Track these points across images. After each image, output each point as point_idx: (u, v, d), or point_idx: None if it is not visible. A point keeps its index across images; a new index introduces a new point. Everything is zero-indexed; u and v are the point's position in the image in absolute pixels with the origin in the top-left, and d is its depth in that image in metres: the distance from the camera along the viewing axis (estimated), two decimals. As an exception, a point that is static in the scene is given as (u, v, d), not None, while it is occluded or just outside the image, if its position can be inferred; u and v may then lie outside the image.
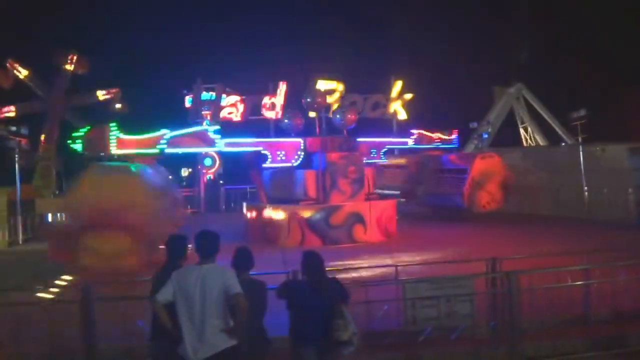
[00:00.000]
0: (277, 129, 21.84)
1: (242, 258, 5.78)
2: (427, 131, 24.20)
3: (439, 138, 24.63)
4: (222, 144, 18.75)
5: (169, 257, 5.79)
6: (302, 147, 19.50)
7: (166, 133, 17.64)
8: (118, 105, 35.14)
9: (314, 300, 5.63)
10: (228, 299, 5.08)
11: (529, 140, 43.43)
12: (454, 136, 25.40)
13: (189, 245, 5.82)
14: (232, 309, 5.11)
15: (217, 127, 19.11)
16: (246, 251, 5.87)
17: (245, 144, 19.75)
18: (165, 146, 17.56)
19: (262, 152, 19.42)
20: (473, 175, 22.70)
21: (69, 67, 34.56)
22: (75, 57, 34.59)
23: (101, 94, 35.24)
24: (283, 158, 19.40)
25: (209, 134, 18.57)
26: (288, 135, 20.28)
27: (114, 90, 35.21)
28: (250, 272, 5.84)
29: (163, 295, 5.20)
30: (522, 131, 43.89)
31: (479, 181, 22.65)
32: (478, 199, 22.64)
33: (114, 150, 17.01)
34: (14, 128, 25.35)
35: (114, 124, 17.29)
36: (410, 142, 23.42)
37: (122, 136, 17.12)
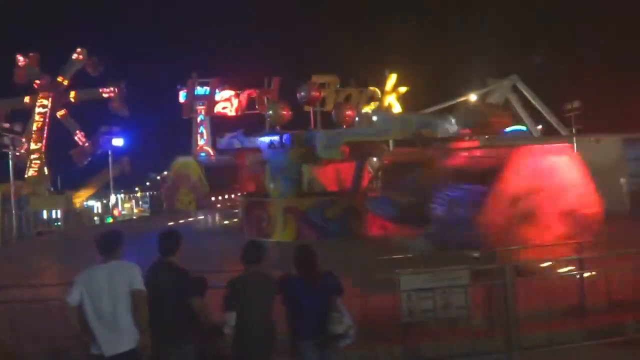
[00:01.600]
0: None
1: (252, 251, 5.80)
2: None
3: None
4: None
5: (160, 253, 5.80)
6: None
7: None
8: (120, 106, 35.00)
9: (309, 294, 5.64)
10: (131, 295, 5.27)
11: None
12: None
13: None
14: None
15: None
16: (256, 245, 5.94)
17: None
18: None
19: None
20: None
21: (76, 57, 34.43)
22: (82, 55, 34.50)
23: (103, 91, 35.09)
24: None
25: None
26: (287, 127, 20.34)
27: (115, 89, 35.07)
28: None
29: (73, 297, 5.27)
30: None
31: None
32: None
33: None
34: (7, 125, 25.28)
35: None
36: None
37: None
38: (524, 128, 42.36)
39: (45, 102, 33.87)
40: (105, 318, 5.23)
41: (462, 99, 39.63)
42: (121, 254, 5.55)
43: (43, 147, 33.79)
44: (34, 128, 33.80)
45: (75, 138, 35.61)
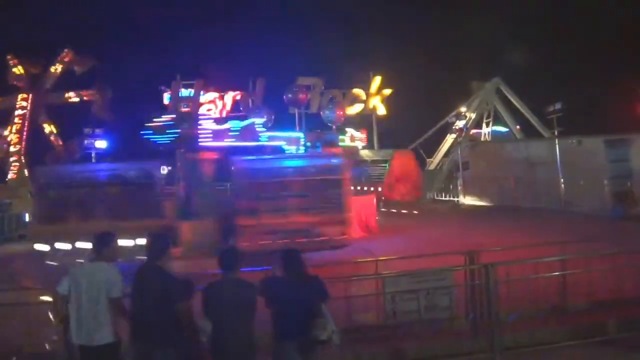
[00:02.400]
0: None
1: (228, 258, 5.73)
2: None
3: None
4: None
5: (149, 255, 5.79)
6: None
7: None
8: (103, 111, 34.54)
9: (293, 297, 5.61)
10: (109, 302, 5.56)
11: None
12: None
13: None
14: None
15: None
16: (233, 251, 5.91)
17: None
18: None
19: None
20: None
21: (59, 65, 33.96)
22: (69, 56, 33.96)
23: (84, 94, 34.62)
24: None
25: None
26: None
27: (91, 92, 34.60)
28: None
29: (62, 287, 5.72)
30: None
31: None
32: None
33: None
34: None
35: None
36: None
37: None
38: (504, 130, 42.68)
39: (24, 103, 33.43)
40: (84, 311, 5.53)
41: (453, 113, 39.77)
42: (112, 255, 5.78)
43: (22, 149, 33.35)
44: (13, 130, 33.35)
45: (52, 140, 35.08)
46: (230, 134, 21.08)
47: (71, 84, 35.47)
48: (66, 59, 34.27)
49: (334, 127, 19.92)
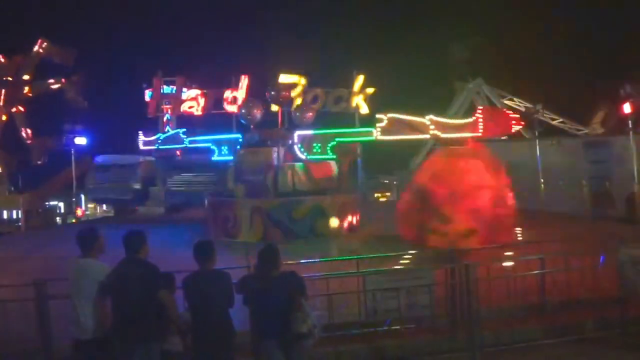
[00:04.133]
0: (239, 122, 21.69)
1: (202, 251, 5.85)
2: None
3: None
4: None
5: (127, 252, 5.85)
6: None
7: None
8: (77, 98, 34.10)
9: (271, 294, 5.63)
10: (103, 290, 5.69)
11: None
12: None
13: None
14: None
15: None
16: (206, 243, 5.98)
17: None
18: None
19: (211, 147, 20.02)
20: None
21: (37, 49, 33.37)
22: (43, 46, 33.36)
23: (51, 83, 34.05)
24: (226, 153, 19.89)
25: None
26: (248, 128, 20.12)
27: (63, 80, 34.04)
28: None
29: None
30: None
31: None
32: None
33: None
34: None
35: None
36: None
37: None
38: None
39: None
40: (73, 306, 5.72)
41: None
42: (98, 252, 5.87)
43: None
44: None
45: (23, 134, 34.44)
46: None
47: (48, 75, 34.93)
48: (41, 50, 33.67)
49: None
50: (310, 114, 19.99)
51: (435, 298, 8.14)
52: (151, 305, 5.57)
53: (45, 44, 33.65)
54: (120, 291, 5.62)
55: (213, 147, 19.91)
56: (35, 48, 33.53)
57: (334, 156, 19.27)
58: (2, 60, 32.84)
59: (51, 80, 34.29)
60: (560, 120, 33.45)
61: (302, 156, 18.99)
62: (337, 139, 18.99)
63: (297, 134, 19.07)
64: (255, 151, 19.29)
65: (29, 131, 34.18)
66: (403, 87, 41.47)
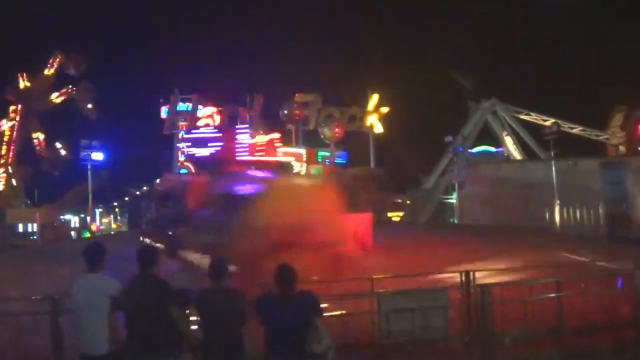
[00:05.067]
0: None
1: (216, 267, 5.85)
2: None
3: None
4: None
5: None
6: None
7: None
8: (89, 106, 34.35)
9: (286, 313, 5.60)
10: (117, 307, 5.66)
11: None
12: None
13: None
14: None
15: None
16: (220, 261, 5.97)
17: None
18: None
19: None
20: None
21: (50, 70, 33.85)
22: (60, 59, 33.78)
23: (54, 97, 34.37)
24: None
25: None
26: None
27: (68, 90, 34.33)
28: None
29: (71, 299, 5.91)
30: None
31: None
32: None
33: None
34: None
35: None
36: None
37: None
38: (492, 149, 42.84)
39: (12, 115, 33.31)
40: (82, 322, 5.66)
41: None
42: (103, 267, 5.83)
43: (10, 159, 33.11)
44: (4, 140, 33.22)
45: (35, 142, 34.71)
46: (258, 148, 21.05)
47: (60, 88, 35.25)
48: (57, 63, 34.15)
49: (333, 144, 20.04)
50: (338, 130, 20.21)
51: (450, 319, 8.05)
52: (163, 321, 5.54)
53: (60, 57, 34.14)
54: (132, 307, 5.61)
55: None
56: (52, 61, 33.98)
57: None
58: (26, 82, 33.40)
59: (62, 91, 34.66)
60: (580, 128, 33.25)
61: None
62: None
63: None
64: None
65: (41, 137, 34.45)
66: (418, 107, 41.48)
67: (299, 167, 19.89)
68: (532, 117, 40.28)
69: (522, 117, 40.91)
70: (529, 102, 40.06)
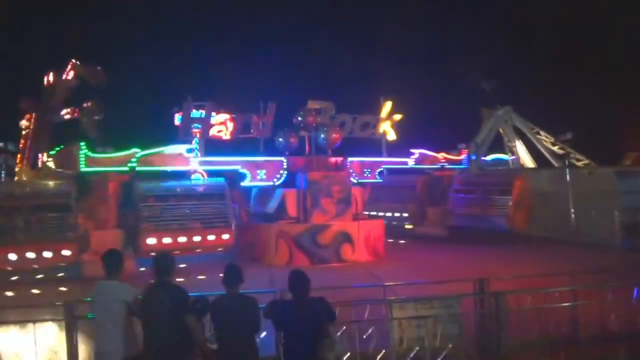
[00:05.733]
0: (267, 147, 21.86)
1: (231, 274, 5.86)
2: (431, 151, 25.29)
3: (445, 158, 25.13)
4: (197, 163, 19.56)
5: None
6: (284, 166, 19.70)
7: (137, 152, 18.61)
8: (90, 125, 34.40)
9: (299, 320, 5.59)
10: (133, 314, 5.73)
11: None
12: (463, 156, 25.95)
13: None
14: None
15: (192, 146, 20.10)
16: (235, 268, 5.97)
17: (223, 163, 20.21)
18: (135, 164, 18.41)
19: (240, 170, 19.72)
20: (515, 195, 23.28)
21: (68, 72, 33.96)
22: (74, 68, 33.89)
23: (64, 113, 34.50)
24: (264, 177, 19.62)
25: (183, 153, 19.55)
26: (279, 154, 20.27)
27: (75, 110, 34.42)
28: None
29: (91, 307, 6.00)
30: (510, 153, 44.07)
31: (518, 201, 23.03)
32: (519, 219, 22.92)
33: (84, 168, 17.93)
34: (1, 144, 25.17)
35: (83, 143, 18.53)
36: (410, 162, 23.88)
37: (92, 155, 18.15)
38: (505, 157, 42.50)
39: (26, 123, 33.57)
40: (99, 329, 5.73)
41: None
42: (121, 274, 5.92)
43: (24, 167, 33.31)
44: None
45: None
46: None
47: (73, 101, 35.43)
48: (72, 72, 34.24)
49: (330, 150, 20.07)
50: (336, 135, 20.22)
51: (464, 327, 7.99)
52: (178, 329, 5.56)
53: (76, 64, 34.21)
54: (149, 314, 5.64)
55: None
56: (66, 71, 34.11)
57: (380, 180, 21.74)
58: (50, 80, 33.53)
59: (67, 110, 34.65)
60: (586, 162, 32.84)
61: (354, 180, 20.34)
62: (384, 166, 21.94)
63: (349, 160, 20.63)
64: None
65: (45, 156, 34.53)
66: (430, 114, 41.40)
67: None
68: (542, 137, 40.13)
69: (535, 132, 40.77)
70: (544, 113, 39.87)
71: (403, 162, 23.82)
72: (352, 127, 22.04)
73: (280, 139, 20.02)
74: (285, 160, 19.76)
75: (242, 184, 19.92)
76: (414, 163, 23.77)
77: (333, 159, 20.07)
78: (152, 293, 5.73)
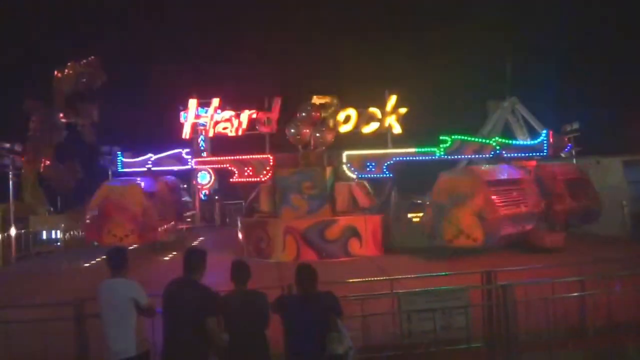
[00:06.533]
0: (272, 143, 21.95)
1: (239, 271, 5.89)
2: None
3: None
4: (193, 163, 21.39)
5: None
6: (270, 163, 20.22)
7: (151, 156, 21.40)
8: (89, 133, 34.44)
9: (307, 314, 5.61)
10: (139, 310, 5.81)
11: None
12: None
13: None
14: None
15: (187, 149, 22.07)
16: (242, 264, 5.99)
17: (213, 162, 21.87)
18: (150, 166, 21.19)
19: (229, 168, 20.65)
20: None
21: (67, 72, 33.94)
22: (72, 67, 33.86)
23: (67, 115, 34.54)
24: (250, 174, 20.25)
25: (182, 154, 21.34)
26: (288, 148, 20.56)
27: (82, 122, 34.40)
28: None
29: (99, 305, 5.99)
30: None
31: None
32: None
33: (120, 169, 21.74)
34: (7, 145, 25.31)
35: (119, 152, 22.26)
36: (438, 151, 20.52)
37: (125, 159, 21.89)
38: None
39: (32, 124, 33.70)
40: (108, 327, 5.75)
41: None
42: (127, 271, 5.96)
43: (29, 168, 33.45)
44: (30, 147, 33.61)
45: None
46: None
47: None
48: (72, 70, 34.22)
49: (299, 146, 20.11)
50: (330, 135, 20.34)
51: (472, 319, 8.01)
52: (199, 328, 5.54)
53: (74, 63, 34.19)
54: (173, 315, 5.63)
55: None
56: (67, 70, 34.07)
57: (390, 174, 20.66)
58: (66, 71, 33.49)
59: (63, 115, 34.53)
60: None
61: (353, 175, 20.06)
62: (395, 158, 20.74)
63: (346, 153, 20.39)
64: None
65: (47, 162, 34.57)
66: (435, 106, 41.31)
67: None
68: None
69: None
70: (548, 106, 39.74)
71: (430, 154, 20.71)
72: (357, 121, 21.95)
73: (293, 130, 20.02)
74: (271, 158, 20.44)
75: (232, 180, 20.72)
76: (443, 153, 20.54)
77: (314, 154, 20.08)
78: (177, 289, 5.71)
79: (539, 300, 8.35)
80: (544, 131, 22.22)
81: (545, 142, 20.90)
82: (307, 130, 20.00)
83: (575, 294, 8.68)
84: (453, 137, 20.51)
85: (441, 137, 20.48)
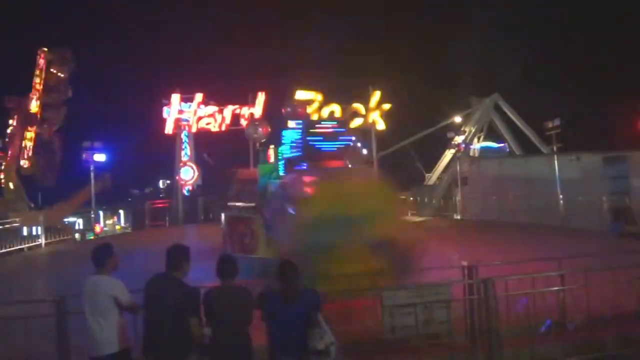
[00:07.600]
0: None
1: (225, 265, 5.85)
2: None
3: None
4: None
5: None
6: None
7: None
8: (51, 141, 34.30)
9: (288, 309, 5.61)
10: (121, 308, 5.75)
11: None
12: None
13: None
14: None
15: None
16: (229, 258, 5.98)
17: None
18: None
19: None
20: None
21: (39, 73, 33.62)
22: (45, 54, 33.40)
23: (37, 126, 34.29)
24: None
25: None
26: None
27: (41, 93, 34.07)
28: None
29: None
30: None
31: None
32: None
33: None
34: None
35: None
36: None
37: None
38: (493, 145, 42.79)
39: (10, 121, 33.41)
40: (90, 324, 5.70)
41: (447, 122, 40.07)
42: (110, 268, 5.86)
43: (12, 164, 33.15)
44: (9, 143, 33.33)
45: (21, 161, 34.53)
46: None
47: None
48: (42, 61, 33.90)
49: (258, 144, 20.29)
50: (262, 129, 20.38)
51: (454, 314, 8.07)
52: (180, 326, 5.49)
53: (44, 55, 33.88)
54: (153, 311, 5.58)
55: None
56: (38, 64, 33.74)
57: None
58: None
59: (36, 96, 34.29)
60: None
61: None
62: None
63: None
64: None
65: (29, 145, 34.28)
66: (418, 102, 41.56)
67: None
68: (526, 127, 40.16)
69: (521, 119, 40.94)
70: (530, 103, 40.11)
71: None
72: (342, 116, 22.03)
73: (250, 129, 20.09)
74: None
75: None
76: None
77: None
78: (160, 286, 5.65)
79: (520, 294, 8.43)
80: None
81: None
82: (264, 130, 20.00)
83: (556, 288, 8.77)
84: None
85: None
